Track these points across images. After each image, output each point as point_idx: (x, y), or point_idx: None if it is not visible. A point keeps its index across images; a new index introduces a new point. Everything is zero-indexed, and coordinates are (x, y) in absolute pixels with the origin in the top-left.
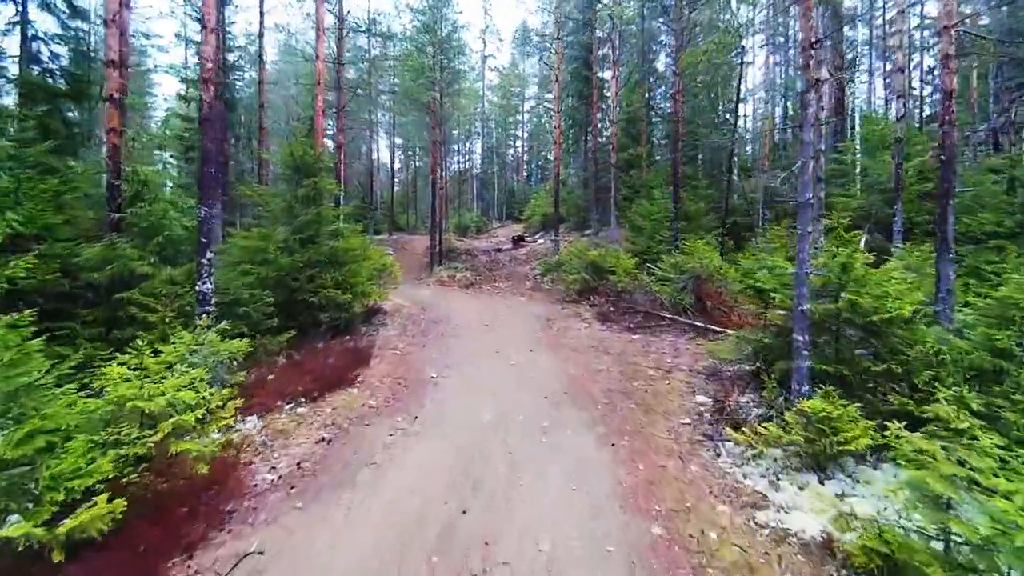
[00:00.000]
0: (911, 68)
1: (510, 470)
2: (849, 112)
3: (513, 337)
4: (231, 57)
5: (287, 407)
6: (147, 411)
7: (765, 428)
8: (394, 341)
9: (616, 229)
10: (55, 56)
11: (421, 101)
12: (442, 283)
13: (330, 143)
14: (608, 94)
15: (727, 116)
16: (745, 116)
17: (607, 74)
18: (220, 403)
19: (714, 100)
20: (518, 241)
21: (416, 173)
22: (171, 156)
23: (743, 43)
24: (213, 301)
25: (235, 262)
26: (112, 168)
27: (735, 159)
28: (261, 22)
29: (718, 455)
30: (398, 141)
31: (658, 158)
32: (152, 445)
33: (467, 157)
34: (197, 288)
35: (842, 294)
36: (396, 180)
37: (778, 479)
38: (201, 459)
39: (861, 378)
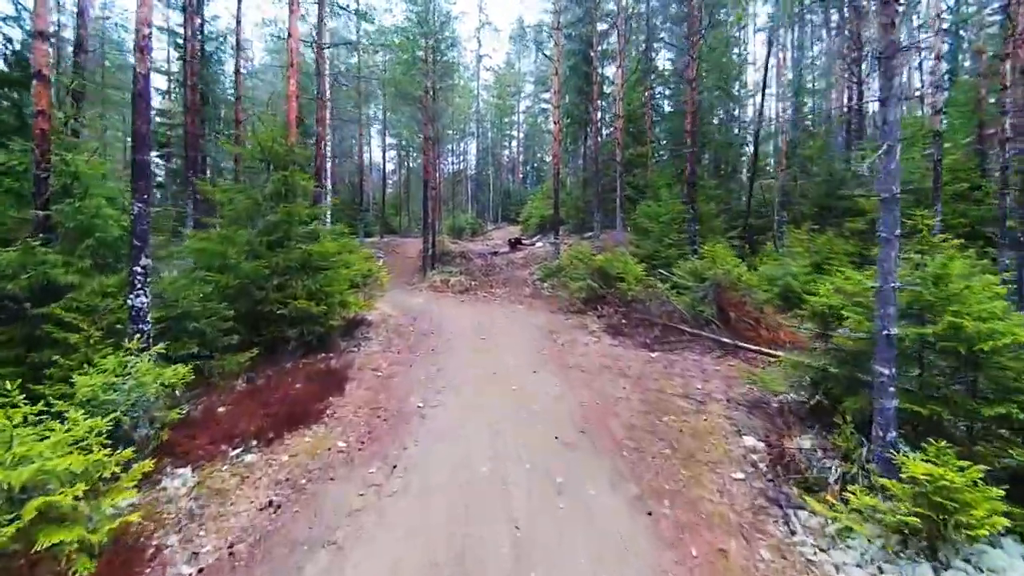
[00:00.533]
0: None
1: (517, 557)
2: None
3: (514, 354)
4: (209, 47)
5: (233, 453)
6: (8, 486)
7: (853, 494)
8: (376, 359)
9: (622, 232)
10: (7, 40)
11: (413, 95)
12: (435, 289)
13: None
14: (609, 90)
15: (735, 110)
16: (743, 120)
17: (608, 70)
18: (117, 467)
19: (724, 91)
20: (515, 244)
21: (409, 174)
22: (156, 155)
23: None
24: (149, 318)
25: (191, 269)
26: (39, 157)
27: (757, 153)
28: (238, 6)
29: (792, 532)
30: (391, 140)
31: (656, 159)
32: (9, 536)
33: (462, 158)
34: (129, 302)
35: (930, 314)
36: (389, 181)
37: (882, 572)
38: (85, 551)
39: (961, 422)
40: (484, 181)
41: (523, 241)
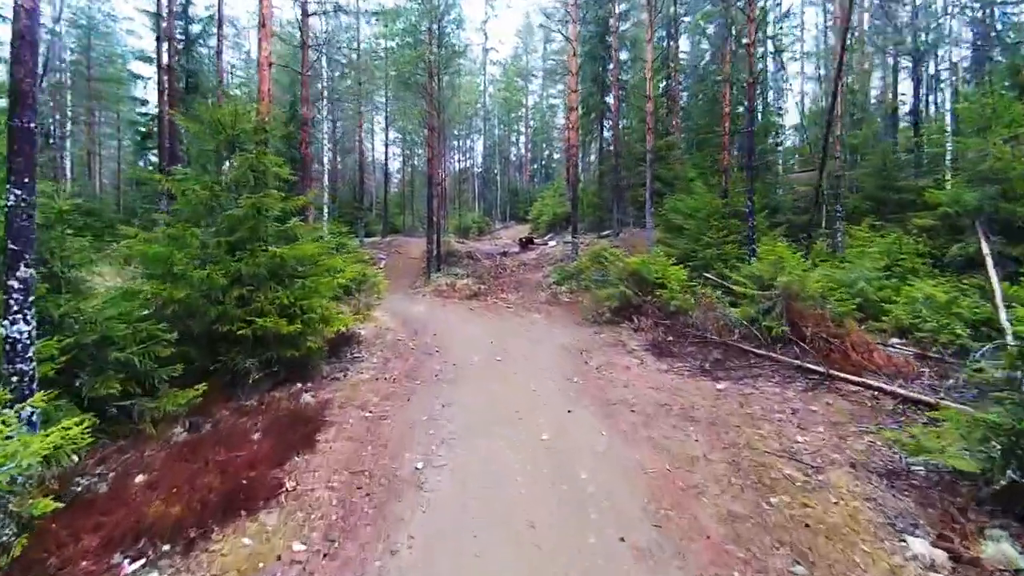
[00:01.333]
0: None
1: None
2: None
3: (538, 382)
4: (196, 30)
5: (130, 570)
6: None
7: None
8: (365, 392)
9: (651, 229)
10: None
11: (417, 82)
12: (440, 293)
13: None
14: (627, 77)
15: (768, 96)
16: (776, 113)
17: (624, 55)
18: None
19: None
20: (526, 243)
21: (413, 171)
22: (150, 150)
23: None
24: (32, 353)
25: (130, 279)
26: None
27: (828, 138)
28: None
29: None
30: (394, 135)
31: (679, 150)
32: None
33: (468, 155)
34: (2, 331)
35: None
36: (393, 179)
37: None
38: None
39: None
40: (491, 179)
41: (535, 240)
